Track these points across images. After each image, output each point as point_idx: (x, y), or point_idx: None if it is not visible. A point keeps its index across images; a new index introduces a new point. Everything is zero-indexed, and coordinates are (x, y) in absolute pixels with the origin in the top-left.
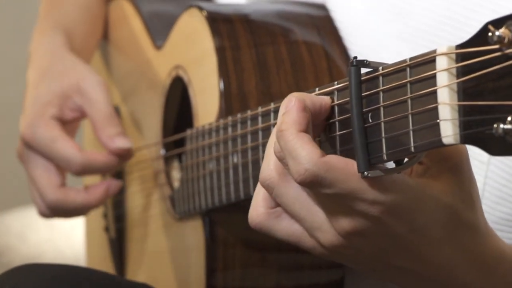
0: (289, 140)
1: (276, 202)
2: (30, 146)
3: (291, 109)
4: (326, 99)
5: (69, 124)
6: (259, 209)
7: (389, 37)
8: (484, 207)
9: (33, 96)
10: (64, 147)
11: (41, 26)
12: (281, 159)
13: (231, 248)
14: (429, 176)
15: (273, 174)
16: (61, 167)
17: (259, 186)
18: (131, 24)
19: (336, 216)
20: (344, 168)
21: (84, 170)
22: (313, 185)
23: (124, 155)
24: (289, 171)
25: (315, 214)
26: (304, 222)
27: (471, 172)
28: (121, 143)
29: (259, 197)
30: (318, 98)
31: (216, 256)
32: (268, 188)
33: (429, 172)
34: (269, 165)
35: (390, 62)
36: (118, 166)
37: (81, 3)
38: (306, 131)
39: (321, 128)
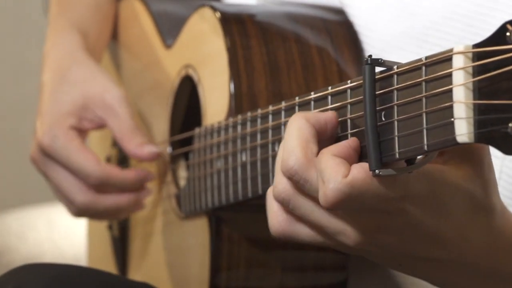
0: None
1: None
2: (49, 155)
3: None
4: (330, 114)
5: (83, 133)
6: (279, 217)
7: (399, 35)
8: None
9: (51, 100)
10: (83, 159)
11: (54, 26)
12: (290, 177)
13: (236, 247)
14: (449, 165)
15: (287, 187)
16: (79, 178)
17: (270, 199)
18: (141, 23)
19: (357, 219)
20: (365, 178)
21: (101, 183)
22: (342, 204)
23: (145, 176)
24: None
25: (336, 220)
26: (326, 229)
27: (490, 160)
28: (150, 148)
29: (275, 207)
30: (321, 114)
31: (221, 255)
32: (284, 202)
33: (449, 162)
34: (282, 178)
35: (400, 59)
36: (135, 185)
37: (92, 3)
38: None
39: (332, 142)
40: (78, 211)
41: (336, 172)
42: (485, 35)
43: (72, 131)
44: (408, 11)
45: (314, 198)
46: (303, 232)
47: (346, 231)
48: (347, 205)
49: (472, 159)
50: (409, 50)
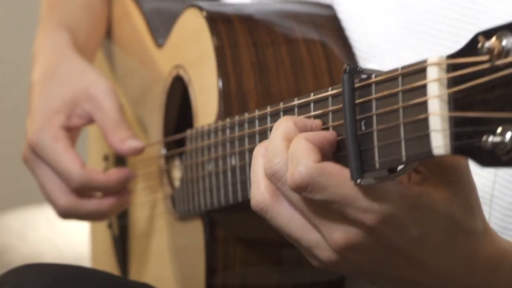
0: (293, 144)
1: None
2: (35, 153)
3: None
4: (316, 121)
5: (74, 129)
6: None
7: (393, 27)
8: (495, 213)
9: (40, 99)
10: (67, 161)
11: (44, 26)
12: (272, 175)
13: (231, 248)
14: (427, 185)
15: (265, 196)
16: (62, 179)
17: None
18: (133, 21)
19: (330, 229)
20: (338, 174)
21: (82, 187)
22: (306, 188)
23: (127, 177)
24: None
25: (310, 233)
26: (301, 242)
27: (470, 178)
28: (132, 143)
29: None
30: (308, 120)
31: (216, 256)
32: (262, 212)
33: (427, 181)
34: (259, 189)
35: (395, 52)
36: (117, 187)
37: (82, 3)
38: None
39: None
40: (60, 213)
41: (307, 156)
42: (480, 24)
43: (61, 130)
44: (403, 2)
45: (291, 208)
46: (283, 211)
47: (320, 245)
48: (311, 191)
49: (450, 178)
50: (404, 41)
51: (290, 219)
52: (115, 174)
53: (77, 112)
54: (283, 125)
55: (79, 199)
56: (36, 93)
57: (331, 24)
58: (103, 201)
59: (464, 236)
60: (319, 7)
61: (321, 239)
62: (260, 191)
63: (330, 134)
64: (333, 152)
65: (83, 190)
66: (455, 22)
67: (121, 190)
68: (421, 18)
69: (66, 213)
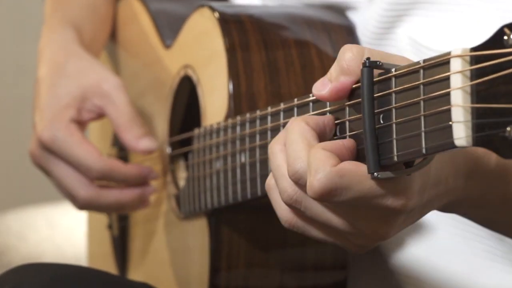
0: (310, 155)
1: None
2: (49, 150)
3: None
4: (328, 117)
5: (84, 124)
6: (288, 211)
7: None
8: None
9: (49, 95)
10: (84, 153)
11: (49, 24)
12: (297, 181)
13: (236, 248)
14: None
15: (297, 189)
16: (80, 171)
17: (275, 195)
18: (140, 23)
19: (363, 222)
20: (356, 171)
21: (103, 177)
22: (330, 194)
23: (147, 173)
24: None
25: (346, 219)
26: (337, 228)
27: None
28: (147, 143)
29: (283, 206)
30: (320, 117)
31: (220, 255)
32: (297, 203)
33: None
34: (289, 182)
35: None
36: (139, 179)
37: (87, 3)
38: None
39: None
40: (81, 205)
41: (324, 162)
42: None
43: (72, 124)
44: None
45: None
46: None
47: (358, 232)
48: (335, 195)
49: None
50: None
51: (324, 208)
52: (135, 168)
53: (87, 106)
54: (297, 128)
55: (99, 190)
56: (44, 89)
57: (341, 28)
58: (124, 192)
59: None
60: (329, 11)
61: (356, 225)
62: (290, 184)
63: (348, 142)
64: (353, 159)
65: (103, 181)
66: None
67: (142, 184)
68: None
69: (86, 205)
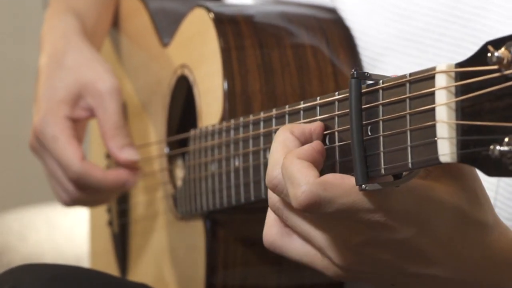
0: (286, 166)
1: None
2: (40, 142)
3: (284, 140)
4: (316, 124)
5: (79, 122)
6: (272, 229)
7: (393, 38)
8: (497, 210)
9: (46, 87)
10: (67, 152)
11: (52, 10)
12: (274, 188)
13: (232, 248)
14: (430, 179)
15: (278, 197)
16: (60, 168)
17: (269, 208)
18: (139, 19)
19: (344, 234)
20: (341, 184)
21: (78, 179)
22: (314, 206)
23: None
24: (288, 198)
25: (326, 232)
26: (316, 240)
27: (473, 171)
28: (129, 154)
29: (272, 217)
30: (307, 126)
31: (217, 256)
32: (278, 211)
33: (431, 176)
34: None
35: (396, 62)
36: (112, 188)
37: None
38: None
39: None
40: (65, 202)
41: (305, 174)
42: (481, 36)
43: (65, 120)
44: (404, 14)
45: (301, 241)
46: (293, 247)
47: (336, 244)
48: (319, 208)
49: (452, 173)
50: (405, 52)
51: (305, 218)
52: (112, 174)
53: (81, 104)
54: (281, 137)
55: (89, 165)
56: (42, 81)
57: (338, 29)
58: (108, 174)
59: (474, 228)
60: (325, 11)
61: (334, 238)
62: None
63: (316, 144)
64: (324, 160)
65: (79, 183)
66: (456, 34)
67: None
68: (422, 30)
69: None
